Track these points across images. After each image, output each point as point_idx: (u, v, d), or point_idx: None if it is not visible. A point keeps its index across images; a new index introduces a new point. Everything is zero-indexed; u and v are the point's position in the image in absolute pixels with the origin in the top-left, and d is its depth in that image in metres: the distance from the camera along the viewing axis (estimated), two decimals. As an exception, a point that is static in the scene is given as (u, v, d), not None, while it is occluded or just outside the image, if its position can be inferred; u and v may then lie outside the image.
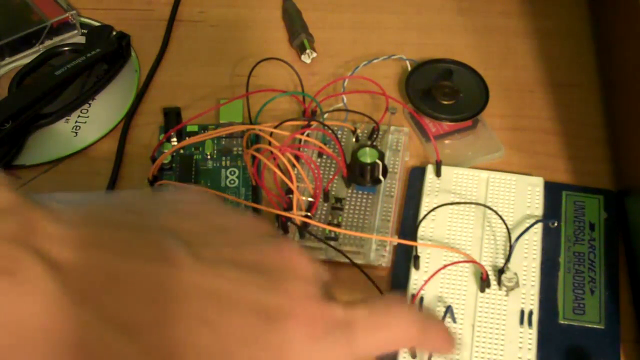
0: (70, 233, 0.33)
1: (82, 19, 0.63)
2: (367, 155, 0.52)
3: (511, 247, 0.49)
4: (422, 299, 0.48)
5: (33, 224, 0.32)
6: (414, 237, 0.50)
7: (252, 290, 0.34)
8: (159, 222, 0.35)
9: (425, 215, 0.51)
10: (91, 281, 0.32)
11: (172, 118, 0.57)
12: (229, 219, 0.37)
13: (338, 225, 0.51)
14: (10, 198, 0.32)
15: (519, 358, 0.46)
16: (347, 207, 0.52)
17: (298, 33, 0.61)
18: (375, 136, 0.55)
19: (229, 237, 0.36)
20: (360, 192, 0.52)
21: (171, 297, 0.33)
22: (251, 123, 0.55)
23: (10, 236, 0.31)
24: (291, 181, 0.50)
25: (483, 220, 0.51)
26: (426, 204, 0.52)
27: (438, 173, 0.53)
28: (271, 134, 0.53)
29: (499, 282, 0.48)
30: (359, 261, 0.49)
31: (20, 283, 0.31)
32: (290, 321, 0.34)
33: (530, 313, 0.47)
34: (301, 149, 0.54)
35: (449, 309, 0.47)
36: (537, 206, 0.51)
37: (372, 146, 0.52)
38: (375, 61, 0.59)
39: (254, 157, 0.53)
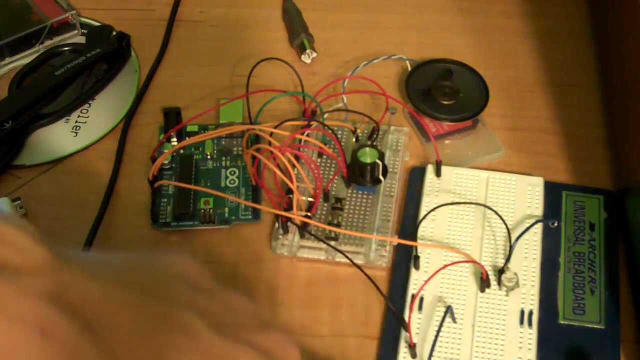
0: (103, 294, 0.34)
1: (82, 19, 0.63)
2: (367, 155, 0.52)
3: (511, 247, 0.49)
4: (422, 299, 0.48)
5: (67, 283, 0.33)
6: (414, 237, 0.50)
7: None
8: (175, 294, 0.37)
9: (425, 215, 0.51)
10: (121, 342, 0.33)
11: (172, 118, 0.57)
12: (233, 299, 0.40)
13: (338, 225, 0.51)
14: (45, 255, 0.33)
15: (519, 358, 0.46)
16: (347, 207, 0.52)
17: (298, 33, 0.61)
18: (375, 136, 0.55)
19: (238, 318, 0.39)
20: (360, 192, 0.52)
21: None
22: (251, 123, 0.55)
23: (46, 295, 0.32)
24: (291, 181, 0.50)
25: (483, 220, 0.51)
26: (426, 204, 0.52)
27: (438, 173, 0.53)
28: (271, 134, 0.53)
29: (499, 282, 0.48)
30: (359, 261, 0.49)
31: (54, 345, 0.31)
32: None
33: (530, 313, 0.47)
34: (301, 149, 0.54)
35: (449, 309, 0.47)
36: (537, 206, 0.51)
37: (372, 146, 0.52)
38: (375, 61, 0.59)
39: (254, 157, 0.53)
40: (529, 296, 0.48)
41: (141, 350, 0.34)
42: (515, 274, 0.48)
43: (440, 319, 0.46)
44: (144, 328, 0.34)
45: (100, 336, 0.33)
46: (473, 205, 0.51)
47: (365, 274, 0.47)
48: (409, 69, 0.59)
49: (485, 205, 0.51)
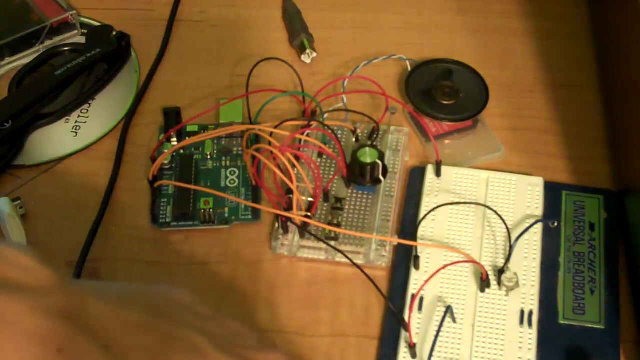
0: (114, 314, 0.34)
1: (82, 19, 0.63)
2: (367, 155, 0.52)
3: (511, 247, 0.49)
4: (422, 299, 0.48)
5: (80, 302, 0.33)
6: (414, 237, 0.50)
7: None
8: (178, 317, 0.38)
9: (425, 215, 0.51)
10: None
11: (172, 118, 0.57)
12: (230, 323, 0.41)
13: (338, 225, 0.51)
14: (52, 276, 0.33)
15: (519, 358, 0.46)
16: (347, 207, 0.52)
17: (298, 33, 0.61)
18: (375, 136, 0.55)
19: (238, 339, 0.40)
20: (360, 192, 0.52)
21: None
22: (251, 123, 0.55)
23: (60, 313, 0.32)
24: (291, 181, 0.50)
25: (483, 220, 0.51)
26: (426, 204, 0.52)
27: (438, 173, 0.53)
28: (271, 134, 0.53)
29: (499, 282, 0.48)
30: (359, 261, 0.49)
31: None
32: None
33: (530, 313, 0.47)
34: (301, 149, 0.54)
35: (449, 309, 0.47)
36: (537, 206, 0.51)
37: (372, 146, 0.52)
38: (375, 61, 0.59)
39: (254, 157, 0.53)
40: (529, 296, 0.48)
41: None
42: (515, 274, 0.48)
43: (440, 319, 0.46)
44: (156, 347, 0.35)
45: (117, 354, 0.33)
46: (473, 205, 0.51)
47: (365, 274, 0.47)
48: (409, 69, 0.59)
49: (485, 205, 0.51)
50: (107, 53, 0.60)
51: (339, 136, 0.55)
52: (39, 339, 0.31)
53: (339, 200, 0.52)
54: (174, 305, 0.39)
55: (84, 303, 0.33)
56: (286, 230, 0.50)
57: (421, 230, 0.50)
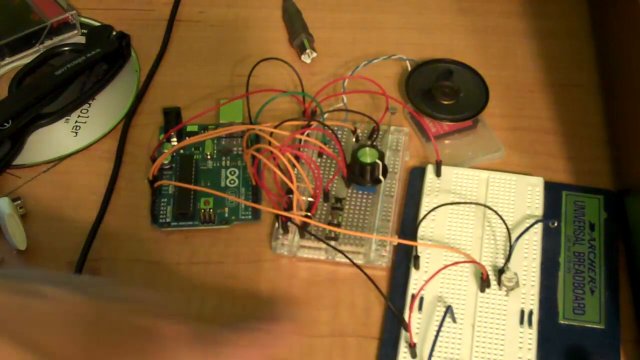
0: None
1: (82, 19, 0.63)
2: (367, 155, 0.52)
3: (511, 247, 0.49)
4: (422, 299, 0.48)
5: None
6: (414, 237, 0.50)
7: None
8: (31, 278, 0.39)
9: (425, 215, 0.51)
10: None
11: (172, 118, 0.57)
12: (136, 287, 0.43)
13: (338, 225, 0.51)
14: None
15: (519, 358, 0.46)
16: (347, 207, 0.52)
17: (298, 33, 0.61)
18: (375, 136, 0.55)
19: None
20: (360, 192, 0.52)
21: None
22: (251, 123, 0.55)
23: None
24: (291, 181, 0.50)
25: (483, 220, 0.51)
26: (426, 204, 0.52)
27: (438, 173, 0.53)
28: (271, 134, 0.53)
29: (499, 282, 0.48)
30: (359, 261, 0.49)
31: None
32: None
33: (530, 313, 0.47)
34: (301, 149, 0.54)
35: (449, 309, 0.47)
36: (537, 206, 0.51)
37: (372, 146, 0.52)
38: (375, 61, 0.59)
39: (254, 157, 0.53)
40: (529, 296, 0.48)
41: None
42: (515, 274, 0.48)
43: (440, 319, 0.46)
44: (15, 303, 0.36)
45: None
46: (473, 205, 0.51)
47: (365, 274, 0.47)
48: (409, 69, 0.59)
49: (485, 205, 0.51)
50: (107, 53, 0.60)
51: (339, 136, 0.55)
52: None
53: (339, 200, 0.52)
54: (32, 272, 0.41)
55: None
56: (286, 230, 0.50)
57: (421, 230, 0.50)
